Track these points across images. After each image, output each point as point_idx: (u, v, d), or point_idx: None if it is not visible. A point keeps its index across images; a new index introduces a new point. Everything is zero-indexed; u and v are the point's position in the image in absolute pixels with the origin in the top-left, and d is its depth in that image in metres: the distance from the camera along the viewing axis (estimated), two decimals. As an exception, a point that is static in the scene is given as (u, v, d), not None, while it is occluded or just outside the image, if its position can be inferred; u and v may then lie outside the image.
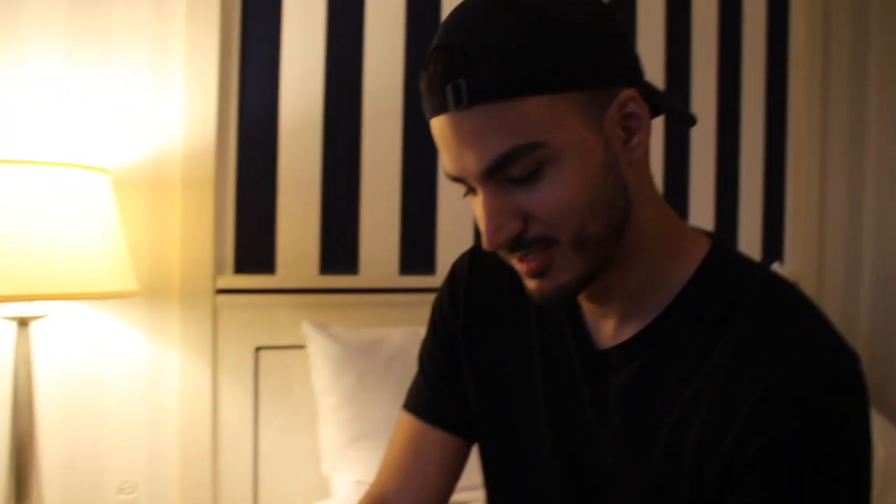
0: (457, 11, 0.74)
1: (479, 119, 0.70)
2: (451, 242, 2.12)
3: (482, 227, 0.74)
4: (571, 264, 0.75)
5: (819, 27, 2.49)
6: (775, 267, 2.36)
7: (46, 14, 1.77)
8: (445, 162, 0.75)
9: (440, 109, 0.72)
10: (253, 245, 1.97)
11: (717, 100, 2.42)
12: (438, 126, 0.73)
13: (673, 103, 0.80)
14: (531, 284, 0.78)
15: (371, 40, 2.06)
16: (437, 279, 2.01)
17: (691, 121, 0.80)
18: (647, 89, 0.77)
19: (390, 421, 1.06)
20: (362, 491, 1.39)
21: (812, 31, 2.48)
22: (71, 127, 1.79)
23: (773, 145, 2.49)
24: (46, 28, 1.77)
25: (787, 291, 0.78)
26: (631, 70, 0.76)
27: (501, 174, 0.72)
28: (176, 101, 1.87)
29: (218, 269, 1.92)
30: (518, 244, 0.74)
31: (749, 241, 2.45)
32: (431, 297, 1.04)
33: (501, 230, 0.73)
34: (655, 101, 0.77)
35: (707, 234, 0.85)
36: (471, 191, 0.77)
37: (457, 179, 0.75)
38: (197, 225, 1.87)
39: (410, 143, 2.08)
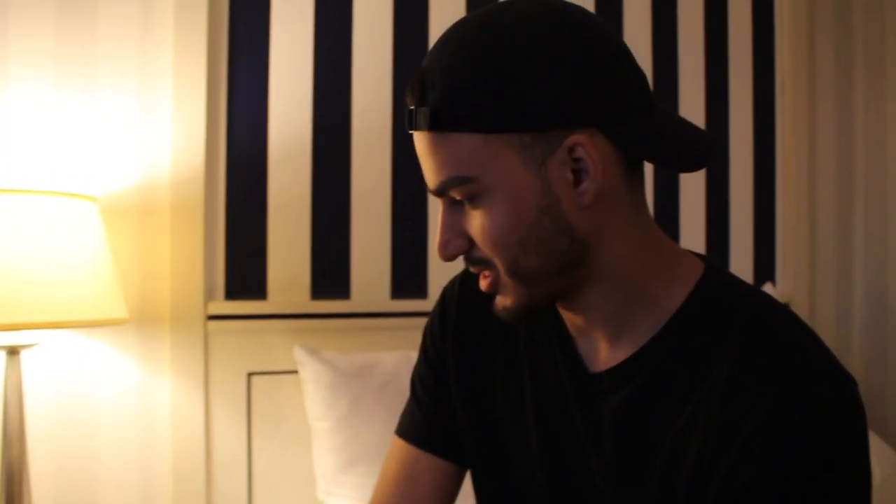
0: (440, 38, 0.77)
1: (426, 144, 0.76)
2: (443, 266, 2.11)
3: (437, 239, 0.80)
4: (512, 291, 0.79)
5: (805, 48, 2.51)
6: (767, 288, 2.36)
7: (32, 42, 1.77)
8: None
9: (407, 128, 0.77)
10: (244, 271, 1.97)
11: (705, 121, 2.43)
12: (414, 141, 0.79)
13: (672, 144, 0.76)
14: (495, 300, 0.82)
15: (359, 66, 2.07)
16: (429, 303, 2.02)
17: (688, 163, 0.77)
18: (629, 129, 0.74)
19: (384, 445, 1.05)
20: (356, 517, 1.39)
21: (798, 52, 2.50)
22: (58, 155, 1.79)
23: (762, 166, 2.50)
24: (33, 56, 1.77)
25: (782, 315, 0.78)
26: (603, 110, 0.73)
27: (447, 195, 0.77)
28: (164, 128, 1.87)
29: (209, 296, 1.92)
30: (469, 261, 0.80)
31: (740, 263, 2.46)
32: (423, 321, 1.04)
33: (448, 245, 0.79)
34: (641, 141, 0.75)
35: (700, 257, 0.85)
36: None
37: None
38: (187, 251, 1.87)
39: (400, 166, 2.09)
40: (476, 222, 0.76)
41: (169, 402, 1.85)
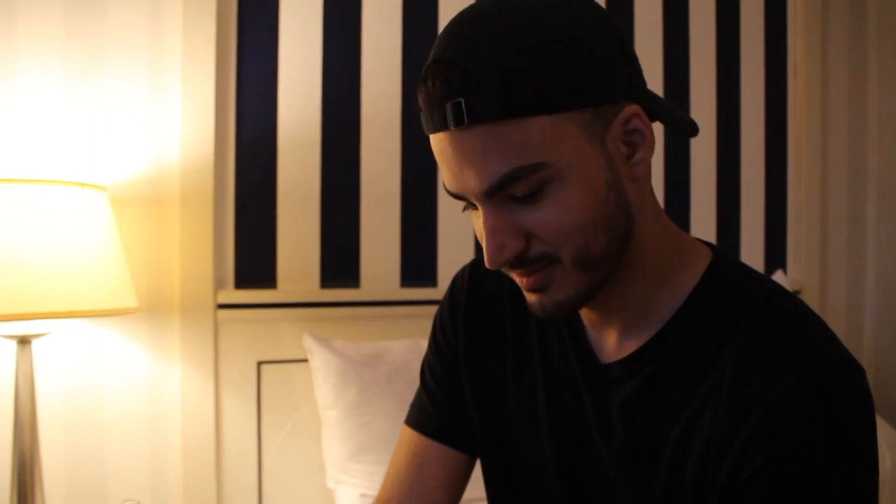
0: (455, 25, 0.72)
1: (479, 139, 0.69)
2: (453, 253, 2.11)
3: (484, 245, 0.73)
4: (572, 281, 0.75)
5: (818, 35, 2.49)
6: (778, 276, 2.35)
7: (42, 32, 1.77)
8: (445, 178, 0.74)
9: (440, 127, 0.70)
10: (253, 259, 1.97)
11: (716, 109, 2.42)
12: (438, 143, 0.72)
13: (674, 112, 0.79)
14: (531, 298, 0.77)
15: (368, 54, 2.06)
16: (439, 291, 2.02)
17: (693, 129, 0.79)
18: (648, 101, 0.76)
19: (393, 433, 1.06)
20: (366, 505, 1.40)
21: (811, 39, 2.48)
22: (68, 145, 1.79)
23: (774, 152, 2.48)
24: (42, 45, 1.77)
25: (790, 303, 0.77)
26: (633, 83, 0.75)
27: (503, 193, 0.71)
28: (173, 117, 1.87)
29: (218, 285, 1.92)
30: (520, 262, 0.74)
31: (751, 250, 2.44)
32: (433, 310, 1.04)
33: (503, 249, 0.72)
34: (657, 112, 0.77)
35: (709, 245, 0.84)
36: (471, 206, 0.76)
37: (457, 196, 0.75)
38: (196, 240, 1.87)
39: (409, 154, 2.08)
40: (542, 214, 0.71)
41: (179, 390, 1.86)
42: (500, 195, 0.71)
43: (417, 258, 2.10)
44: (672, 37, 2.36)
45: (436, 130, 0.71)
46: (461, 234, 2.12)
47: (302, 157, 2.00)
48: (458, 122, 0.68)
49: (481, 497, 1.00)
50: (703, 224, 2.38)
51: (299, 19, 2.01)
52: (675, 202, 2.35)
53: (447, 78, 0.69)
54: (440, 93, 0.69)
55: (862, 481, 0.70)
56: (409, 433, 1.00)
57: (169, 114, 1.87)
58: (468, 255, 2.08)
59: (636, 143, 0.74)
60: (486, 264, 0.73)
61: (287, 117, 1.99)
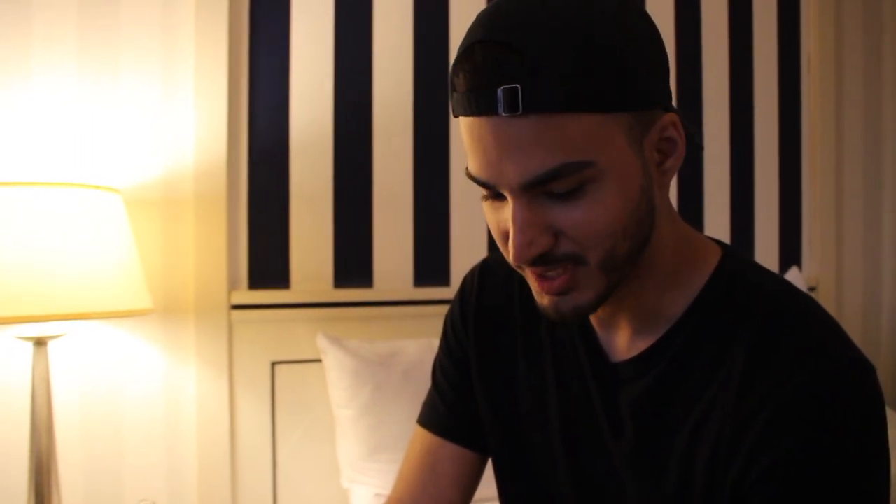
0: (506, 4, 0.68)
1: (530, 129, 0.65)
2: (465, 253, 2.11)
3: (512, 240, 0.70)
4: (594, 284, 0.73)
5: (832, 31, 2.47)
6: (793, 272, 2.34)
7: (55, 34, 1.79)
8: (476, 164, 0.70)
9: (484, 111, 0.66)
10: (267, 260, 1.98)
11: (729, 104, 2.40)
12: (477, 127, 0.68)
13: (688, 126, 0.79)
14: (546, 301, 0.75)
15: (380, 55, 2.06)
16: (452, 290, 2.01)
17: (698, 147, 0.80)
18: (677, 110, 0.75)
19: (407, 433, 1.06)
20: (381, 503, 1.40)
21: (824, 32, 2.46)
22: (82, 147, 1.80)
23: (788, 148, 2.47)
24: (55, 47, 1.79)
25: (799, 302, 0.77)
26: (668, 92, 0.74)
27: (542, 188, 0.68)
28: (186, 120, 1.88)
29: (232, 285, 1.93)
30: (544, 260, 0.71)
31: (766, 247, 2.43)
32: (446, 309, 1.04)
33: (532, 245, 0.69)
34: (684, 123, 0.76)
35: (719, 244, 0.84)
36: (494, 196, 0.73)
37: (483, 184, 0.71)
38: (210, 242, 1.88)
39: (421, 154, 2.08)
40: (577, 213, 0.69)
41: (194, 390, 1.87)
42: (536, 190, 0.68)
43: (430, 258, 2.10)
44: (685, 31, 2.35)
45: (478, 114, 0.67)
46: (474, 233, 2.12)
47: (315, 157, 2.01)
48: (512, 109, 0.64)
49: (493, 496, 1.00)
50: (717, 221, 2.36)
51: (311, 20, 2.01)
52: (689, 199, 2.34)
53: (501, 59, 0.65)
54: (491, 75, 0.65)
55: (871, 483, 0.69)
56: (422, 433, 1.00)
57: (182, 117, 1.88)
58: (480, 254, 2.07)
59: (668, 150, 0.74)
60: (511, 259, 0.71)
61: (299, 118, 2.00)
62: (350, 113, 2.04)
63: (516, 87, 0.64)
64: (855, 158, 2.53)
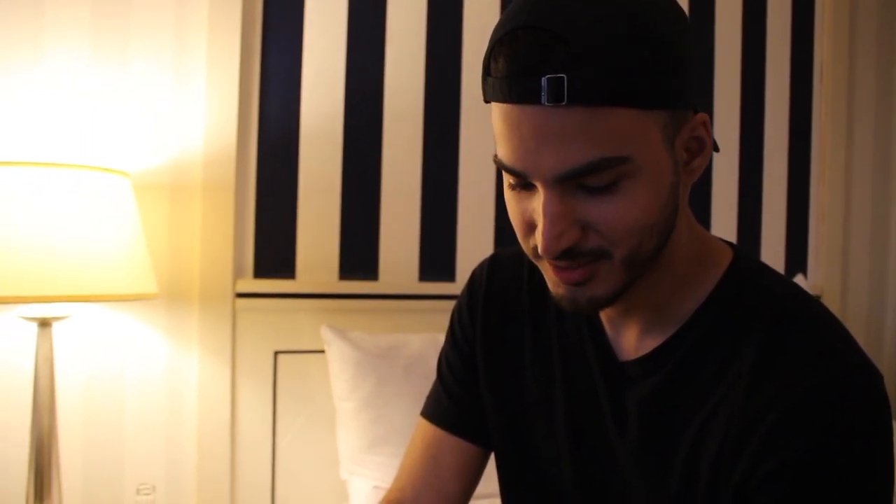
0: None
1: (571, 121, 0.64)
2: (471, 249, 2.11)
3: (542, 231, 0.69)
4: (614, 279, 0.72)
5: (844, 36, 2.46)
6: (799, 279, 2.33)
7: (68, 18, 1.79)
8: (509, 152, 0.69)
9: (525, 99, 0.64)
10: (273, 249, 1.98)
11: (740, 108, 2.40)
12: (514, 115, 0.66)
13: None
14: (561, 291, 0.74)
15: (392, 46, 2.06)
16: (457, 286, 2.02)
17: (715, 147, 0.79)
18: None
19: (409, 426, 1.06)
20: (379, 496, 1.40)
21: (838, 40, 2.45)
22: (93, 130, 1.80)
23: (797, 154, 2.46)
24: (68, 31, 1.79)
25: (808, 305, 0.77)
26: (702, 92, 0.74)
27: (576, 181, 0.67)
28: (197, 106, 1.88)
29: (237, 274, 1.93)
30: (569, 253, 0.70)
31: (772, 253, 2.42)
32: (451, 304, 1.04)
33: (562, 237, 0.68)
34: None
35: (730, 245, 0.84)
36: (523, 185, 0.71)
37: (514, 172, 0.70)
38: (217, 229, 1.88)
39: (431, 148, 2.08)
40: (610, 208, 0.68)
41: (196, 377, 1.87)
42: (570, 182, 0.67)
43: (436, 253, 2.10)
44: (698, 36, 2.34)
45: (518, 102, 0.65)
46: (481, 229, 2.12)
47: (323, 148, 2.01)
48: (556, 99, 0.63)
49: (494, 492, 0.99)
50: (724, 225, 2.36)
51: (324, 10, 2.01)
52: (696, 203, 2.33)
53: (546, 48, 0.63)
54: (535, 62, 0.63)
55: (877, 487, 0.69)
56: (425, 425, 1.00)
57: (193, 104, 1.88)
58: (487, 251, 2.07)
59: (696, 150, 0.74)
60: (541, 251, 0.70)
61: (309, 109, 2.00)
62: (360, 104, 2.04)
63: (562, 77, 0.62)
64: (864, 167, 2.52)
